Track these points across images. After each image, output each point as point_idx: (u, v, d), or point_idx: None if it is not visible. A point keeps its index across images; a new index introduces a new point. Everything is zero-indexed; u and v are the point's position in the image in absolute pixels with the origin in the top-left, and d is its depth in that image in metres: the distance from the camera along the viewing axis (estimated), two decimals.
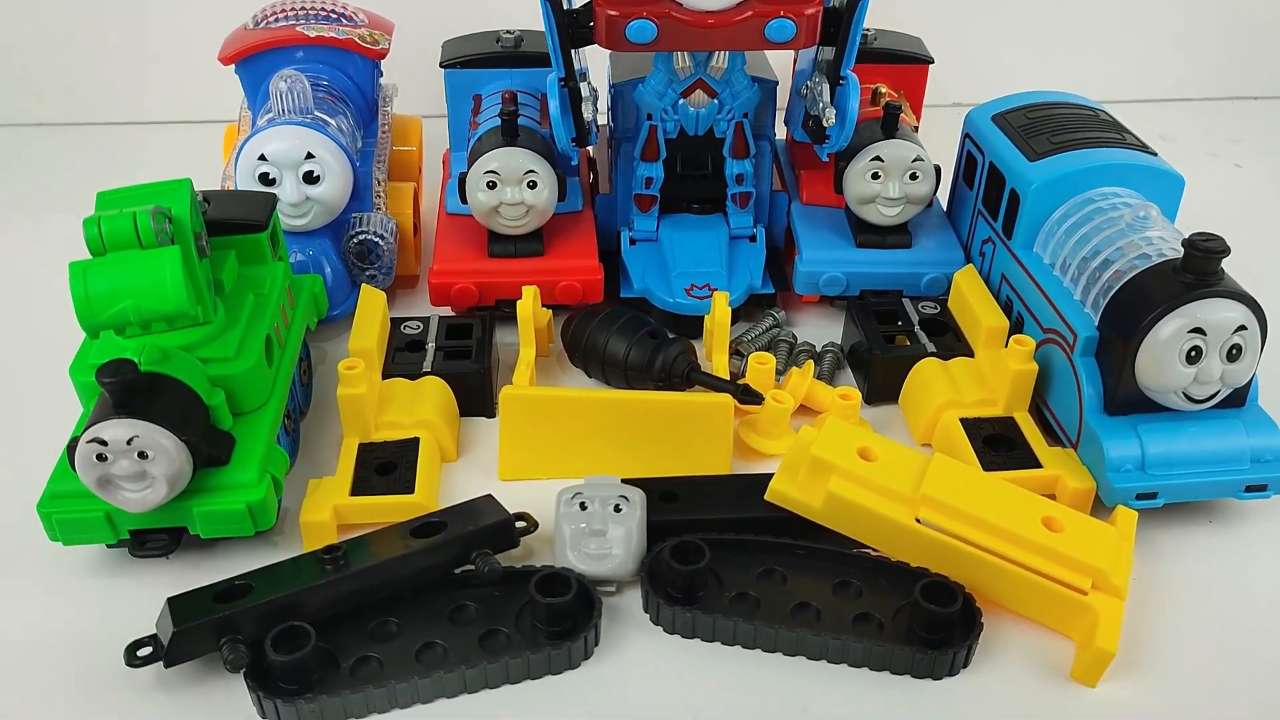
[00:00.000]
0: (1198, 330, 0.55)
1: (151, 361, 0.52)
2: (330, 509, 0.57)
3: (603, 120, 0.77)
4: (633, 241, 0.74)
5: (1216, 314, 0.55)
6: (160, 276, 0.50)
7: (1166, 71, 1.08)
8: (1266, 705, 0.50)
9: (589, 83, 0.67)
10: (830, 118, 0.67)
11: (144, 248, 0.50)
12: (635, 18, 0.62)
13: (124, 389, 0.50)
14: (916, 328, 0.68)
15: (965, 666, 0.51)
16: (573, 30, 0.65)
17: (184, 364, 0.54)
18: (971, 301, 0.66)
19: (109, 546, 0.55)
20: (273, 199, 0.63)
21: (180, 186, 0.55)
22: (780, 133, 0.81)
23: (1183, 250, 0.56)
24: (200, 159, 0.91)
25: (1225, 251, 0.55)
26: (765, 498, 0.56)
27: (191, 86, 1.01)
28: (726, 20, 0.62)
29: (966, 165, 0.74)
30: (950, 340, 0.67)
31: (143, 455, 0.50)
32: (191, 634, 0.49)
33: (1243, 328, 0.55)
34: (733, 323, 0.73)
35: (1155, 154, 0.66)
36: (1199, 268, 0.55)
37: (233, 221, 0.60)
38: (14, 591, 0.55)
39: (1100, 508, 0.58)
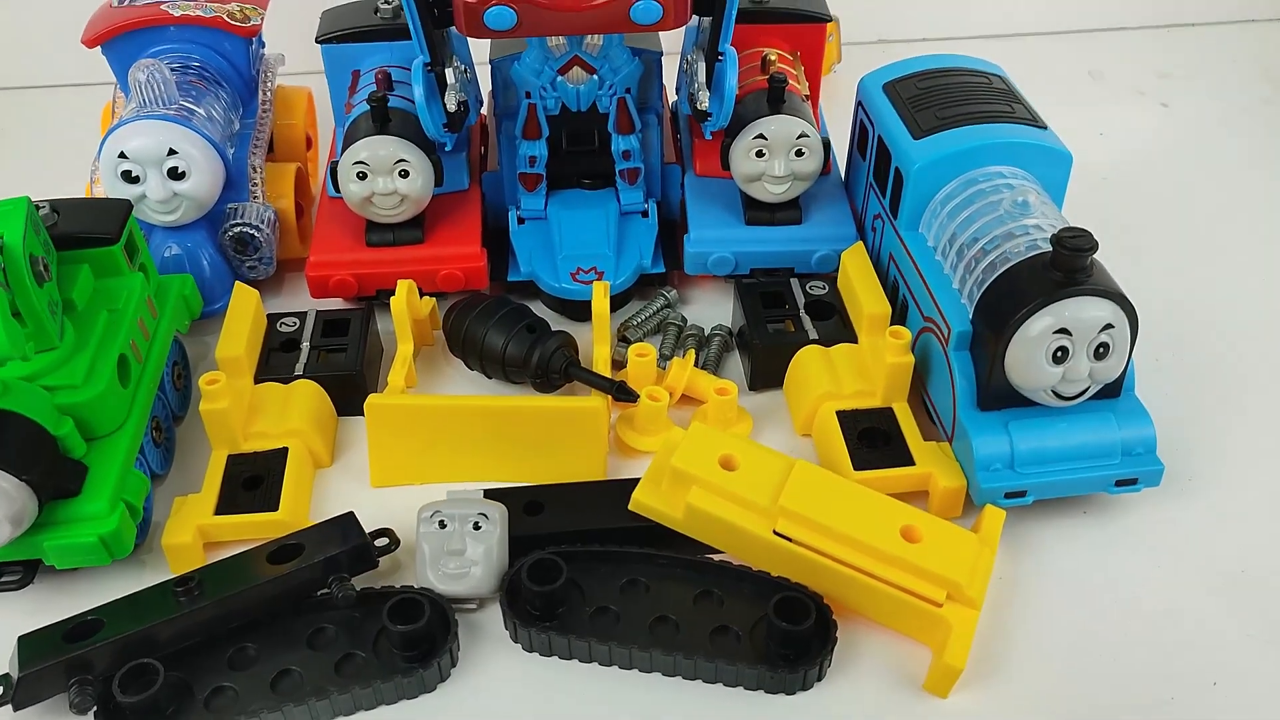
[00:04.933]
0: (1064, 330, 0.53)
1: None
2: (194, 530, 0.56)
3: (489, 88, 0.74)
4: (521, 220, 0.72)
5: (1083, 313, 0.53)
6: None
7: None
8: (1116, 713, 0.50)
9: (455, 68, 0.65)
10: (703, 100, 0.64)
11: None
12: (492, 4, 0.59)
13: None
14: (802, 311, 0.67)
15: (820, 680, 0.52)
16: (436, 10, 0.62)
17: (26, 395, 0.53)
18: (855, 284, 0.65)
19: None
20: (127, 206, 0.61)
21: (15, 208, 0.54)
22: (675, 97, 0.78)
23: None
24: (84, 127, 0.89)
25: (1092, 248, 0.53)
26: (629, 508, 0.55)
27: (70, 52, 0.98)
28: (586, 4, 0.59)
29: (860, 135, 0.71)
30: (837, 324, 0.66)
31: None
32: (39, 676, 0.49)
33: (1110, 326, 0.54)
34: (625, 302, 0.72)
35: (1045, 127, 0.64)
36: (1066, 265, 0.54)
37: (83, 235, 0.59)
38: None
39: (973, 505, 0.58)
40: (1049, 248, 0.56)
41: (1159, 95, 0.93)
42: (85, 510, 0.53)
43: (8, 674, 0.50)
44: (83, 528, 0.53)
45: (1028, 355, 0.54)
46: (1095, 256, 0.54)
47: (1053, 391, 0.55)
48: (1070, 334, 0.53)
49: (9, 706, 0.50)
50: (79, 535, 0.53)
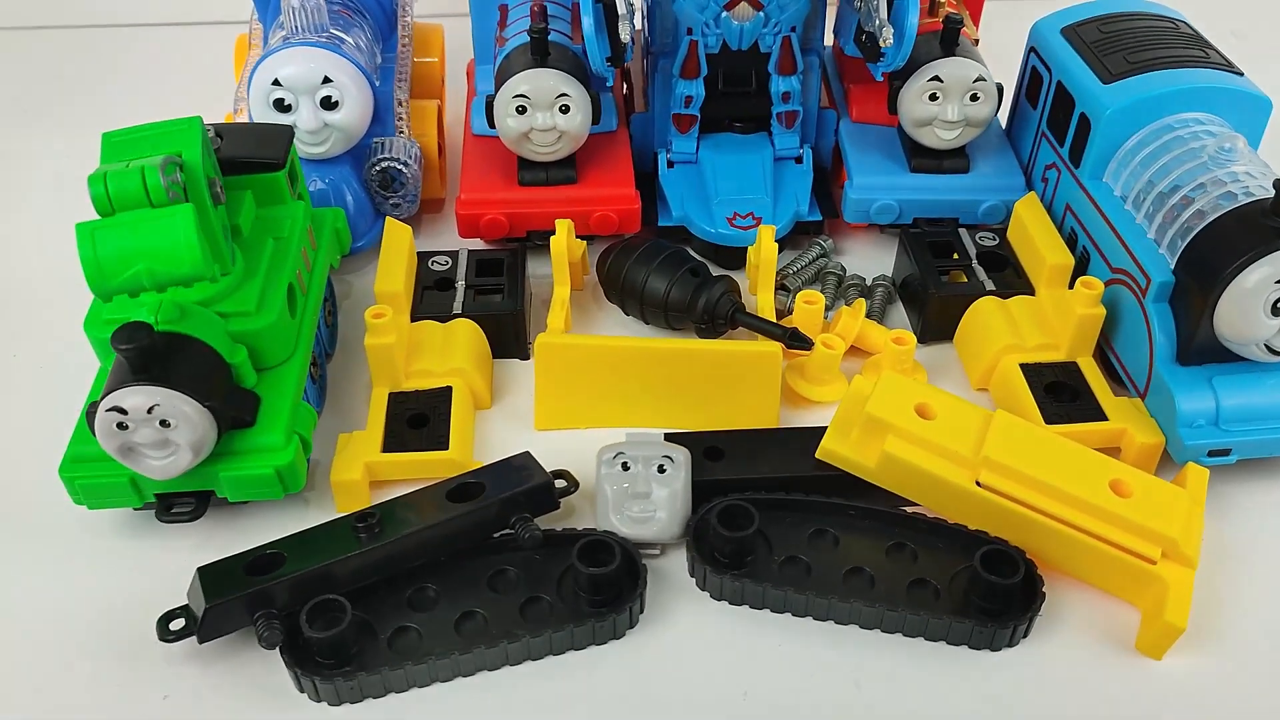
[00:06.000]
0: None
1: (168, 320, 0.49)
2: (362, 467, 0.54)
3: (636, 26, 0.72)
4: (671, 164, 0.70)
5: None
6: (173, 238, 0.46)
7: None
8: None
9: None
10: (888, 37, 0.61)
11: (154, 206, 0.46)
12: None
13: (141, 354, 0.47)
14: (974, 262, 0.64)
15: (1025, 637, 0.50)
16: None
17: (203, 321, 0.51)
18: (1033, 235, 0.62)
19: (135, 510, 0.53)
20: (289, 132, 0.59)
21: (191, 127, 0.52)
22: (827, 41, 0.75)
23: (1273, 190, 0.52)
24: (209, 65, 0.87)
25: None
26: (816, 456, 0.53)
27: None
28: None
29: (1031, 82, 0.69)
30: (1010, 276, 0.63)
31: (164, 423, 0.48)
32: (224, 610, 0.47)
33: None
34: (779, 251, 0.69)
35: (1241, 73, 0.61)
36: None
37: (248, 160, 0.57)
38: (42, 556, 0.53)
39: (1168, 462, 0.55)
40: (1261, 195, 0.53)
41: None
42: (260, 442, 0.51)
43: (187, 605, 0.49)
44: (258, 459, 0.51)
45: (1243, 306, 0.52)
46: None
47: (1265, 346, 0.53)
48: None
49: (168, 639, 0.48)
50: (254, 467, 0.51)
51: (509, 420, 0.60)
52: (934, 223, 0.67)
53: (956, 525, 0.52)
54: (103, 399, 0.47)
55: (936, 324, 0.63)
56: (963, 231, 0.66)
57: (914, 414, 0.52)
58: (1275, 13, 0.97)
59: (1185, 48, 0.62)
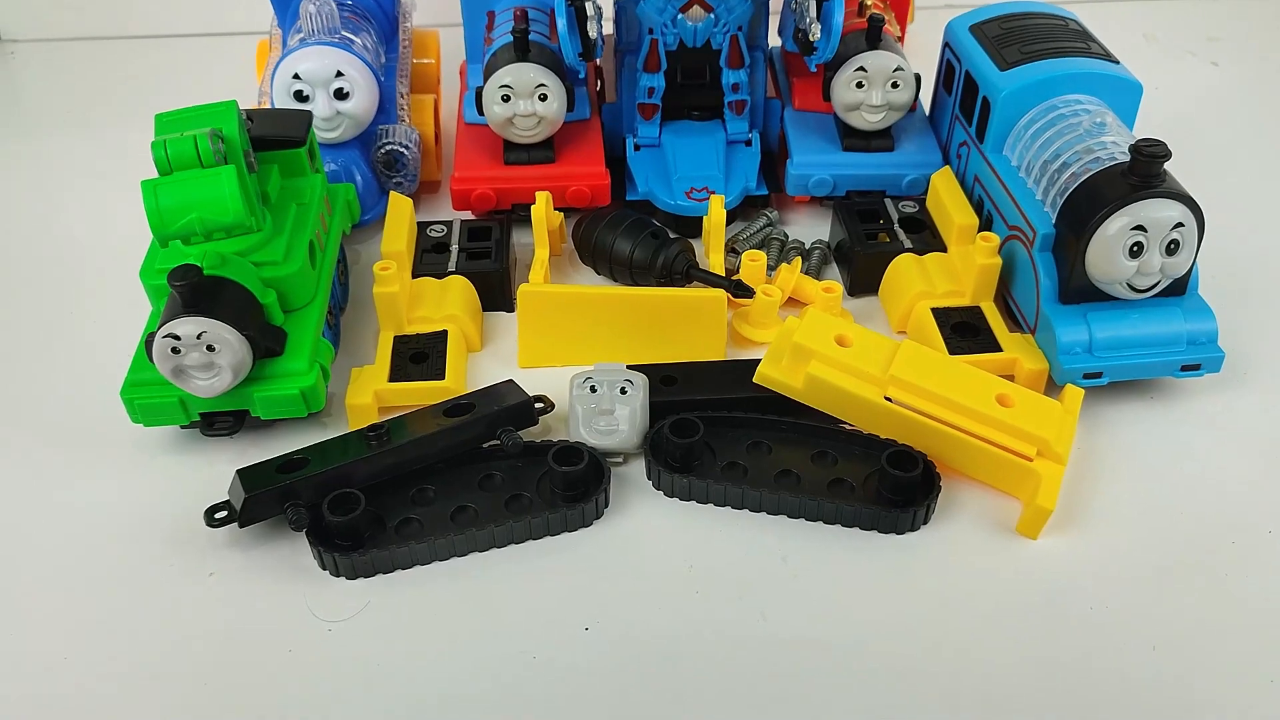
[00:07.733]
0: (1140, 228, 0.61)
1: (212, 266, 0.59)
2: (372, 393, 0.64)
3: (609, 31, 0.83)
4: (637, 147, 0.80)
5: (1157, 213, 0.61)
6: (220, 192, 0.57)
7: None
8: (1182, 555, 0.58)
9: (594, 1, 0.73)
10: (816, 32, 0.72)
11: (204, 167, 0.57)
12: None
13: (192, 291, 0.57)
14: (896, 225, 0.75)
15: (925, 523, 0.59)
16: None
17: (240, 267, 0.61)
18: (946, 201, 0.73)
19: (182, 427, 0.63)
20: (309, 116, 0.69)
21: (228, 108, 0.62)
22: (775, 42, 0.86)
23: (1129, 155, 0.62)
24: (233, 69, 0.98)
25: (1166, 156, 0.61)
26: (753, 380, 0.63)
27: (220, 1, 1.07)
28: None
29: (946, 73, 0.79)
30: (927, 237, 0.74)
31: (210, 348, 0.58)
32: (260, 500, 0.57)
33: (1180, 225, 0.61)
34: (730, 222, 0.80)
35: (1117, 61, 0.72)
36: (1143, 171, 0.61)
37: (274, 138, 0.67)
38: (106, 466, 0.63)
39: (1053, 387, 0.66)
40: (1125, 160, 0.63)
41: (1209, 55, 1.01)
42: (288, 368, 0.61)
43: (228, 500, 0.59)
44: (286, 382, 0.61)
45: (1107, 251, 0.62)
46: (1165, 167, 0.62)
47: (1128, 285, 0.63)
48: (1145, 231, 0.61)
49: (224, 528, 0.58)
50: (283, 388, 0.61)
51: (496, 360, 0.70)
52: (864, 194, 0.78)
53: (870, 435, 0.62)
54: (160, 328, 0.58)
55: (863, 279, 0.73)
56: (887, 201, 0.76)
57: (834, 343, 0.62)
58: (1181, 19, 1.08)
59: (1071, 41, 0.73)
